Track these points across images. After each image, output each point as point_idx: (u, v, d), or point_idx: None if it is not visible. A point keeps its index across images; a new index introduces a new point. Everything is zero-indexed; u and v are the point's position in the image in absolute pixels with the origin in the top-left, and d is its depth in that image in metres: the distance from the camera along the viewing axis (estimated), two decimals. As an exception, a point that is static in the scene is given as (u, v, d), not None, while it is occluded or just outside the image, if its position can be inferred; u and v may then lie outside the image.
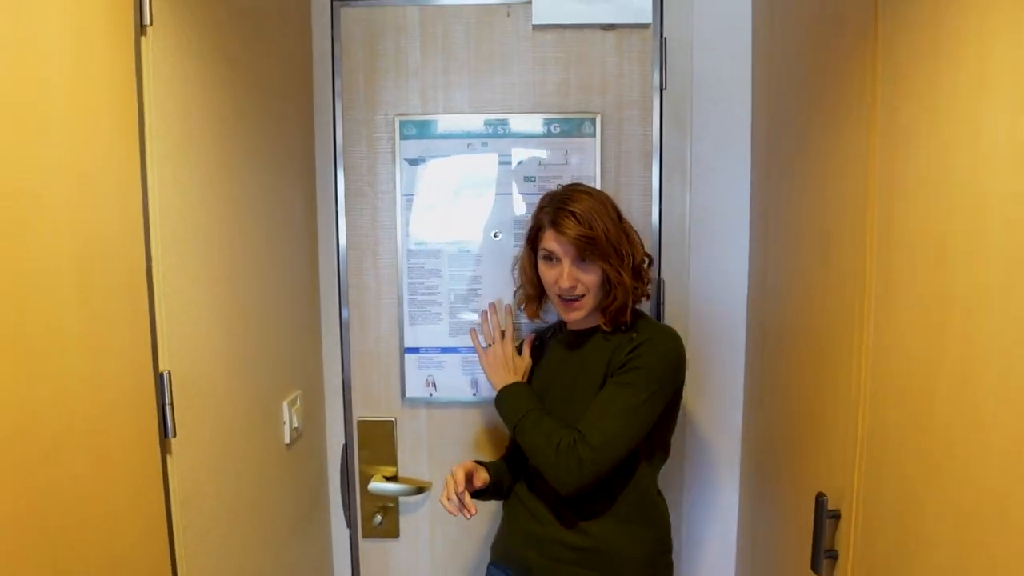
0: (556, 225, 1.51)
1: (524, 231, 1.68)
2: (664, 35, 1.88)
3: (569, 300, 1.56)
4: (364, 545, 2.07)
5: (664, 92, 1.90)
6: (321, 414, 1.98)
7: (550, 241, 1.54)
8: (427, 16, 1.89)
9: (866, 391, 1.27)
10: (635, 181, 1.92)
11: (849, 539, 1.35)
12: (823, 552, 1.42)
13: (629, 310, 1.57)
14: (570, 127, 1.90)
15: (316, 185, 1.94)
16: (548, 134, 1.90)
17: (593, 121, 1.90)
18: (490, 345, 1.78)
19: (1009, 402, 0.86)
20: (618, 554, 1.56)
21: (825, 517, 1.41)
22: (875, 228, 1.22)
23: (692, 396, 1.98)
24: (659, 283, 1.94)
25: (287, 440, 1.71)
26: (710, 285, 1.95)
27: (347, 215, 1.95)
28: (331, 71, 1.91)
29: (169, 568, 1.17)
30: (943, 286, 1.02)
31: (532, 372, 1.73)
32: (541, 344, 1.76)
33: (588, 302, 1.55)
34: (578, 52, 1.89)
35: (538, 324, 1.82)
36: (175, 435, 1.17)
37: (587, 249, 1.51)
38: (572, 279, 1.52)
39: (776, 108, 1.74)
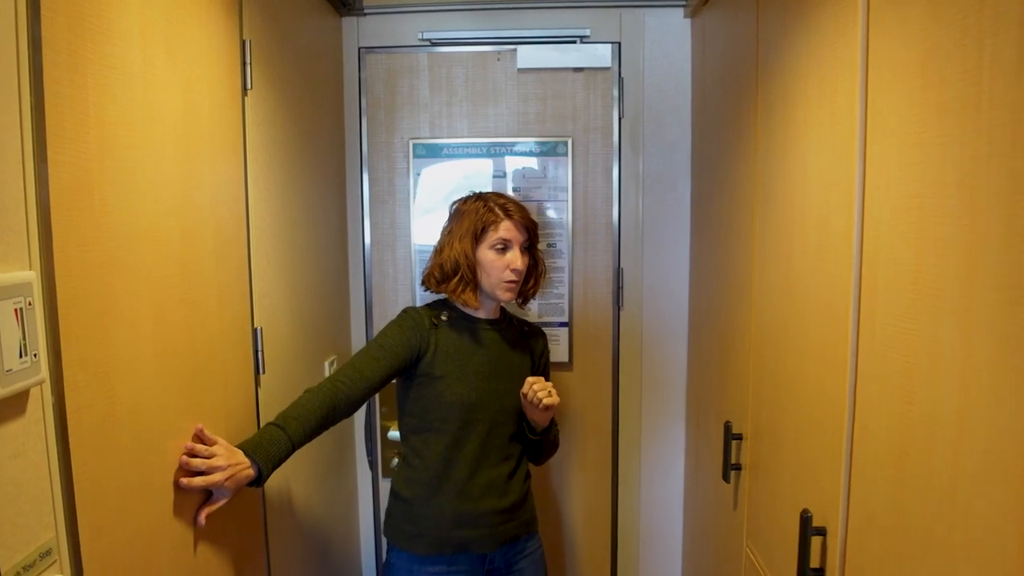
0: (510, 215, 1.78)
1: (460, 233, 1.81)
2: (622, 76, 2.38)
3: (511, 282, 1.79)
4: (383, 483, 2.56)
5: (622, 120, 2.40)
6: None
7: (506, 231, 1.77)
8: (434, 60, 2.39)
9: (754, 345, 1.78)
10: (599, 189, 2.43)
11: (747, 455, 1.85)
12: (730, 466, 1.93)
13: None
14: (547, 148, 2.40)
15: (346, 194, 2.44)
16: (530, 153, 2.41)
17: (566, 143, 2.40)
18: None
19: (814, 344, 1.38)
20: (525, 499, 1.90)
21: (731, 439, 1.92)
22: (757, 226, 1.73)
23: (648, 359, 2.49)
24: (618, 271, 2.45)
25: (327, 392, 2.21)
26: (660, 272, 2.46)
27: (371, 218, 2.46)
28: (358, 104, 2.41)
29: (259, 466, 1.67)
30: (789, 273, 1.54)
31: (462, 361, 1.79)
32: (438, 328, 1.81)
33: (519, 285, 1.83)
34: (554, 89, 2.39)
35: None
36: (264, 372, 1.68)
37: (531, 236, 1.82)
38: (523, 259, 1.79)
39: (704, 132, 2.25)
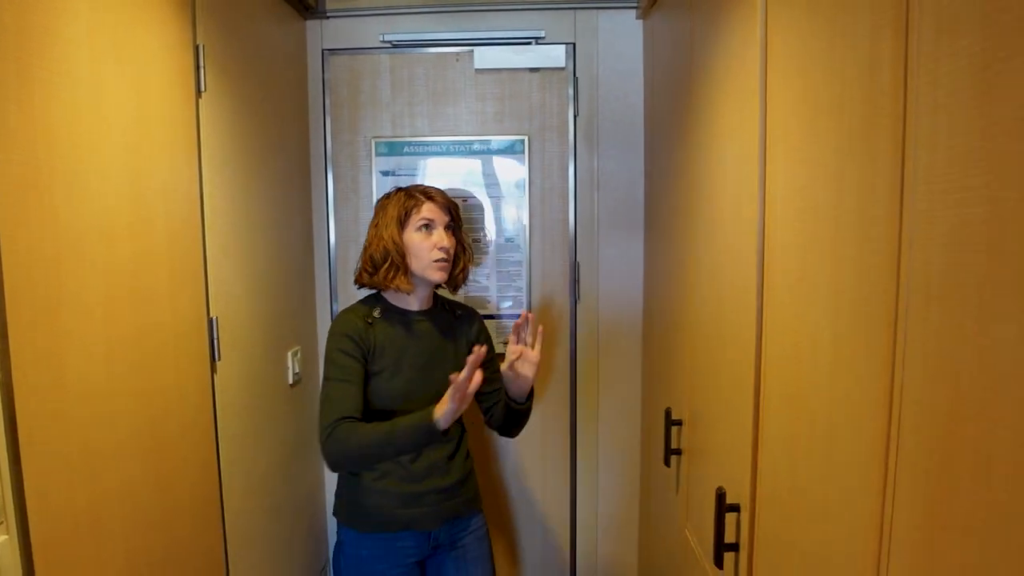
0: (431, 197, 1.87)
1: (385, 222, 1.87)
2: (576, 75, 2.48)
3: (440, 261, 1.85)
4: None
5: (577, 119, 2.49)
6: (315, 364, 2.56)
7: (428, 211, 1.85)
8: (396, 62, 2.48)
9: (690, 334, 1.87)
10: (555, 186, 2.52)
11: (685, 440, 1.94)
12: (670, 450, 2.02)
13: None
14: (505, 146, 2.50)
15: (311, 191, 2.53)
16: (488, 151, 2.50)
17: (523, 141, 2.49)
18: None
19: (731, 330, 1.47)
20: (467, 479, 2.00)
21: (671, 424, 2.01)
22: (692, 220, 1.82)
23: (605, 348, 2.58)
24: (575, 265, 2.54)
25: (291, 381, 2.30)
26: (616, 266, 2.55)
27: (335, 214, 2.55)
28: (322, 104, 2.50)
29: (214, 446, 1.76)
30: (715, 264, 1.63)
31: (399, 354, 1.86)
32: (373, 326, 1.87)
33: (449, 264, 1.88)
34: (511, 89, 2.48)
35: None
36: (220, 359, 1.77)
37: (452, 216, 1.89)
38: (449, 238, 1.86)
39: (654, 131, 2.34)
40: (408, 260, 1.86)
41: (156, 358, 1.48)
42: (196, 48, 1.66)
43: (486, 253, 2.54)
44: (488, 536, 2.04)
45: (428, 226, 1.85)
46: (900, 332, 0.84)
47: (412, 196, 1.87)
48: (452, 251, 1.89)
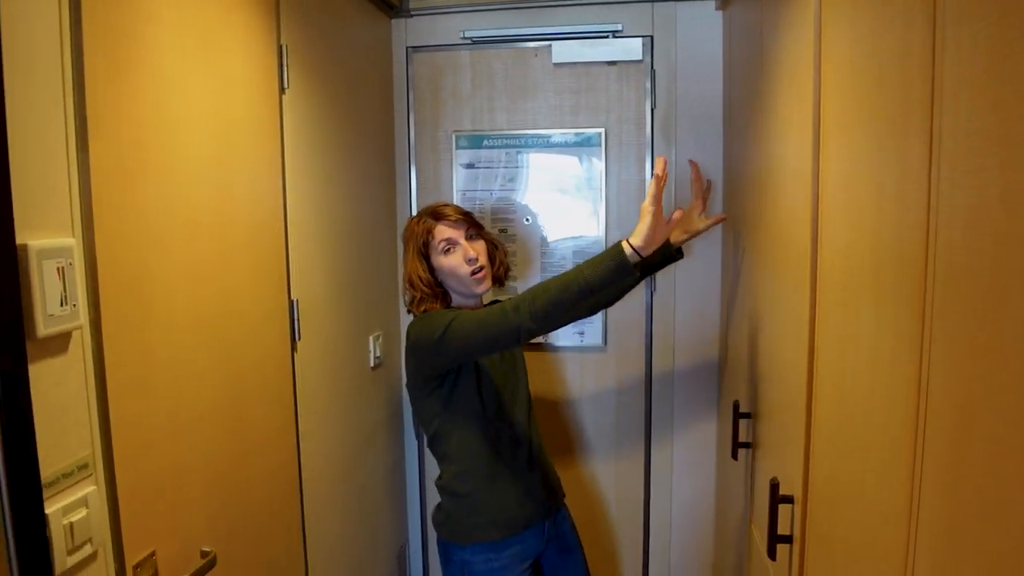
0: (441, 217, 1.84)
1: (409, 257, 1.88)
2: (654, 68, 2.48)
3: (476, 272, 1.82)
4: (428, 452, 2.75)
5: (654, 111, 2.50)
6: (397, 351, 2.67)
7: (444, 232, 1.83)
8: (476, 58, 2.55)
9: (758, 332, 1.86)
10: (632, 178, 2.54)
11: (752, 433, 1.93)
12: (737, 444, 2.01)
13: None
14: (582, 139, 2.53)
15: (395, 182, 2.64)
16: (565, 144, 2.54)
17: (600, 134, 2.52)
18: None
19: (789, 321, 1.46)
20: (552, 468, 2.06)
21: (738, 418, 2.00)
22: (759, 212, 1.81)
23: (681, 339, 2.58)
24: (650, 257, 2.55)
25: (372, 364, 2.41)
26: (692, 257, 2.54)
27: (418, 205, 2.64)
28: (406, 99, 2.60)
29: (294, 423, 1.88)
30: (776, 255, 1.62)
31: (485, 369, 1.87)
32: None
33: (488, 271, 1.86)
34: (588, 83, 2.51)
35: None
36: (300, 339, 1.88)
37: (470, 224, 1.87)
38: (473, 250, 1.83)
39: (731, 122, 2.32)
40: (448, 283, 1.86)
41: (239, 337, 1.61)
42: (280, 48, 1.77)
43: (563, 245, 2.57)
44: (574, 524, 2.10)
45: (450, 246, 1.83)
46: (927, 322, 0.83)
47: (423, 222, 1.85)
48: (483, 257, 1.86)
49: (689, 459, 2.65)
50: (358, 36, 2.30)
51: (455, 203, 1.94)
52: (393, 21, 2.57)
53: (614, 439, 2.67)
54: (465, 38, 2.52)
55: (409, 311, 1.91)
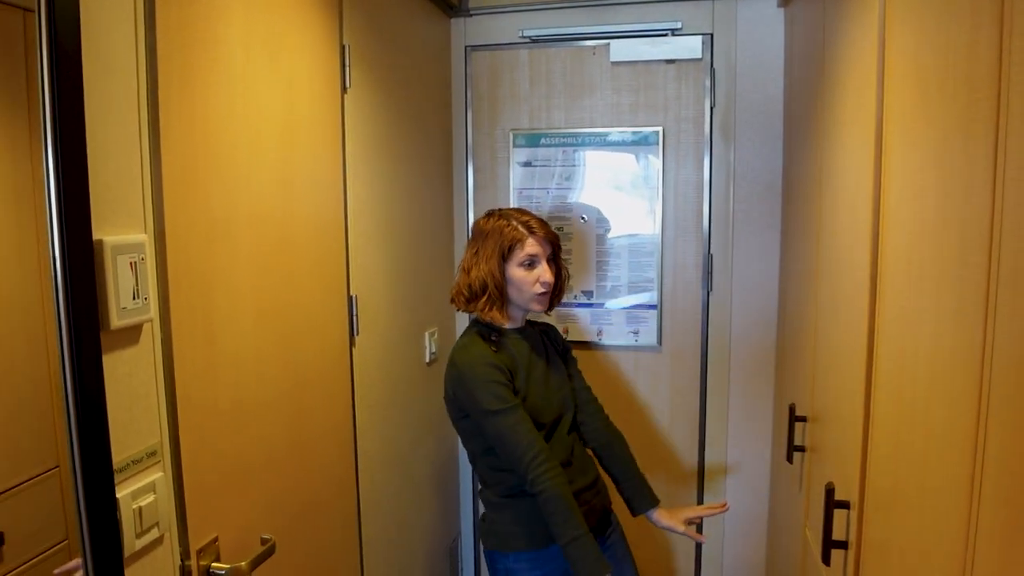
0: (534, 232, 1.85)
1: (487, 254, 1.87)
2: (713, 66, 2.45)
3: (543, 294, 1.87)
4: (482, 448, 2.78)
5: (713, 110, 2.47)
6: (450, 348, 2.70)
7: (532, 247, 1.84)
8: (534, 56, 2.57)
9: (813, 329, 1.83)
10: (690, 177, 2.52)
11: (808, 436, 1.90)
12: (793, 447, 1.98)
13: None
14: (639, 137, 2.52)
15: (452, 180, 2.67)
16: (622, 143, 2.53)
17: (657, 133, 2.51)
18: None
19: (846, 322, 1.44)
20: (599, 475, 2.05)
21: (794, 421, 1.97)
22: (819, 214, 1.78)
23: (737, 340, 2.55)
24: (708, 256, 2.53)
25: (427, 360, 2.45)
26: (750, 258, 2.51)
27: (475, 203, 2.67)
28: (464, 97, 2.63)
29: (351, 416, 1.92)
30: (838, 259, 1.60)
31: (527, 372, 1.87)
32: (499, 352, 1.86)
33: (549, 296, 1.91)
34: (646, 81, 2.50)
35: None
36: (358, 334, 1.93)
37: (554, 247, 1.90)
38: (551, 272, 1.87)
39: (792, 122, 2.29)
40: (510, 292, 1.87)
41: (299, 330, 1.65)
42: (342, 48, 1.81)
43: (619, 243, 2.57)
44: (623, 530, 2.09)
45: (532, 262, 1.85)
46: (990, 329, 0.82)
47: (515, 229, 1.85)
48: (553, 283, 1.90)
49: (743, 460, 2.62)
50: (417, 36, 2.33)
51: (536, 215, 1.93)
52: (452, 20, 2.60)
53: (667, 438, 2.65)
54: (524, 37, 2.54)
55: (456, 305, 1.92)
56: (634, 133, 2.52)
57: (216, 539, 1.36)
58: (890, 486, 1.18)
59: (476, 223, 1.94)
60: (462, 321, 2.72)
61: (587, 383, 2.11)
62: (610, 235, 2.58)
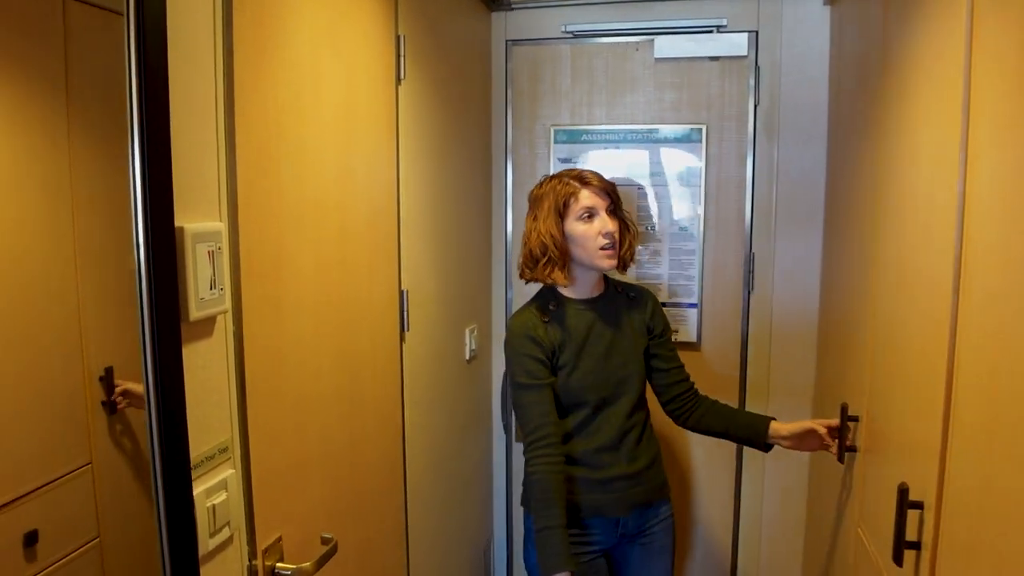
0: (587, 183, 1.81)
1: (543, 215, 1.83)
2: (758, 64, 2.43)
3: (607, 248, 1.80)
4: (516, 447, 2.75)
5: (757, 108, 2.44)
6: (489, 346, 2.68)
7: (587, 199, 1.80)
8: (576, 52, 2.54)
9: (871, 327, 1.80)
10: (732, 175, 2.49)
11: (862, 436, 1.87)
12: (845, 447, 1.95)
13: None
14: (682, 135, 2.49)
15: (491, 176, 2.65)
16: (665, 140, 2.51)
17: (700, 130, 2.48)
18: None
19: (919, 323, 1.41)
20: (653, 464, 1.98)
21: (846, 420, 1.94)
22: (876, 211, 1.76)
23: (777, 340, 2.52)
24: (750, 256, 2.50)
25: (467, 357, 2.42)
26: (793, 258, 2.48)
27: (514, 200, 2.64)
28: (504, 93, 2.61)
29: (400, 412, 1.90)
30: (901, 254, 1.57)
31: (580, 347, 1.84)
32: (550, 323, 1.84)
33: (616, 250, 1.82)
34: (689, 78, 2.47)
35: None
36: (408, 329, 1.90)
37: (613, 198, 1.84)
38: (612, 222, 1.81)
39: (839, 121, 2.26)
40: (573, 251, 1.82)
41: (355, 322, 1.63)
42: (397, 39, 1.79)
43: (660, 240, 2.55)
44: (673, 527, 2.02)
45: (590, 214, 1.81)
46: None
47: (567, 184, 1.82)
48: (617, 234, 1.83)
49: (781, 460, 2.58)
50: (462, 28, 2.31)
51: (590, 169, 1.89)
52: (493, 14, 2.57)
53: (704, 438, 2.62)
54: (567, 32, 2.51)
55: (523, 277, 1.89)
56: (677, 130, 2.49)
57: (280, 538, 1.33)
58: (976, 487, 1.15)
59: (530, 193, 1.92)
60: (500, 318, 2.69)
61: (680, 361, 2.03)
62: (652, 233, 2.55)
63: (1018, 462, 1.02)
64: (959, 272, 1.25)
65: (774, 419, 1.98)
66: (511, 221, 2.65)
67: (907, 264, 1.52)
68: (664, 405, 2.03)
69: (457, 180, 2.29)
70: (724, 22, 2.41)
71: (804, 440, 1.96)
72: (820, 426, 1.93)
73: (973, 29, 1.20)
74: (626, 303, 1.96)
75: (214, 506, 1.13)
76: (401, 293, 1.87)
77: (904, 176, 1.54)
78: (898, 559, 1.40)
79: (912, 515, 1.40)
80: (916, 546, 1.41)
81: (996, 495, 1.09)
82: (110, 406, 1.02)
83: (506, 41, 2.58)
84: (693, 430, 2.05)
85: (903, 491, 1.41)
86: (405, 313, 1.88)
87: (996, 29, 1.12)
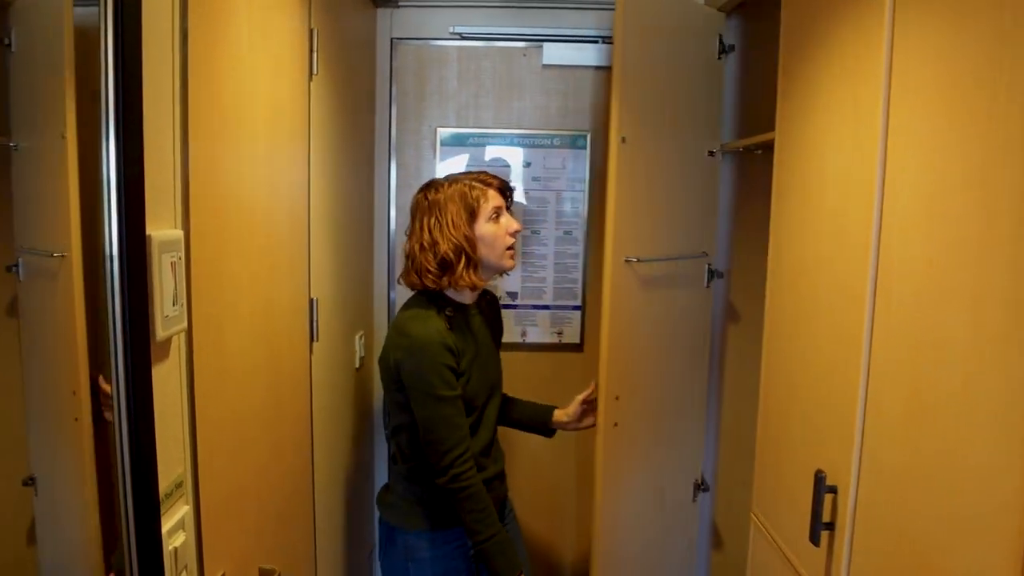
0: (490, 184, 1.83)
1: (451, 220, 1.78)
2: (639, 74, 2.52)
3: (512, 248, 1.84)
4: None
5: (638, 117, 2.54)
6: (373, 351, 2.58)
7: (495, 198, 1.82)
8: (463, 54, 2.51)
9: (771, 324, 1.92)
10: (615, 182, 2.57)
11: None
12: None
13: None
14: (567, 141, 2.54)
15: (374, 177, 2.55)
16: (551, 146, 2.54)
17: (585, 137, 2.54)
18: None
19: (829, 324, 1.52)
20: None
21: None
22: (772, 216, 1.87)
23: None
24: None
25: (356, 365, 2.32)
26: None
27: (397, 202, 2.57)
28: (388, 92, 2.52)
29: (309, 421, 1.78)
30: (803, 260, 1.69)
31: (475, 353, 1.84)
32: (453, 330, 1.79)
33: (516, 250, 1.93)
34: (575, 85, 2.53)
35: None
36: (317, 340, 1.79)
37: (510, 197, 1.90)
38: (516, 221, 1.86)
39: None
40: (481, 253, 1.80)
41: (278, 334, 1.52)
42: (311, 32, 1.68)
43: (545, 244, 2.58)
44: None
45: (498, 214, 1.82)
46: None
47: (474, 187, 1.80)
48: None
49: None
50: (353, 24, 2.21)
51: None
52: (379, 10, 2.48)
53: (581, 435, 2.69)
54: (454, 33, 2.47)
55: (424, 282, 1.78)
56: (562, 136, 2.54)
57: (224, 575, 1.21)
58: (898, 473, 1.26)
59: (418, 199, 1.84)
60: (383, 324, 2.61)
61: None
62: (537, 237, 2.58)
63: (933, 457, 1.12)
64: (876, 282, 1.36)
65: (556, 407, 2.13)
66: (395, 223, 2.58)
67: (809, 271, 1.63)
68: None
69: (350, 182, 2.19)
70: (610, 33, 2.48)
71: (583, 418, 2.11)
72: (579, 397, 2.10)
73: (893, 53, 1.30)
74: (487, 305, 2.01)
75: (175, 549, 1.01)
76: (311, 301, 1.76)
77: (807, 187, 1.66)
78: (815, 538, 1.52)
79: (827, 497, 1.52)
80: (830, 527, 1.52)
81: (913, 484, 1.19)
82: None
83: (391, 38, 2.50)
84: None
85: (820, 478, 1.52)
86: (315, 322, 1.77)
87: (915, 52, 1.22)
